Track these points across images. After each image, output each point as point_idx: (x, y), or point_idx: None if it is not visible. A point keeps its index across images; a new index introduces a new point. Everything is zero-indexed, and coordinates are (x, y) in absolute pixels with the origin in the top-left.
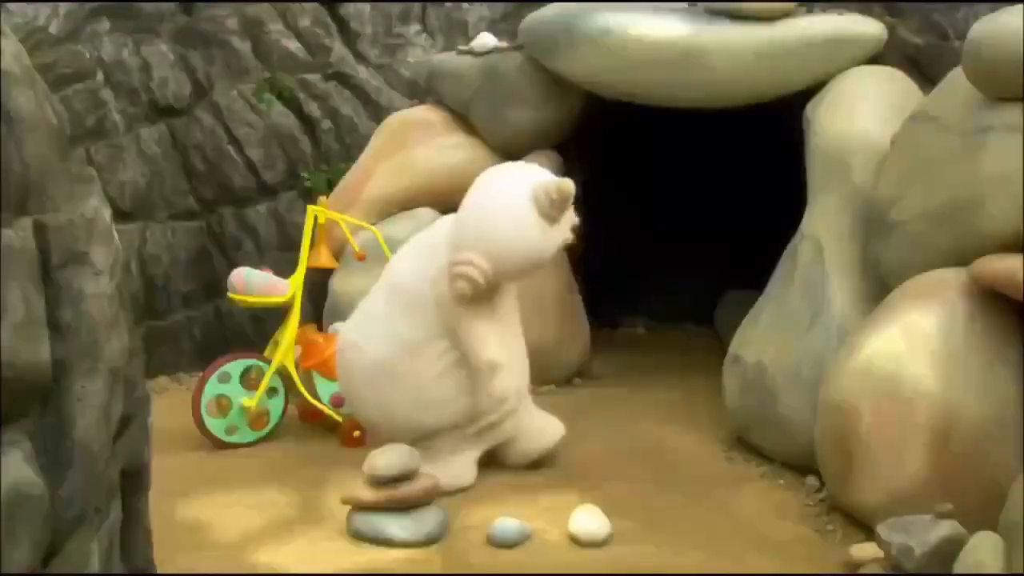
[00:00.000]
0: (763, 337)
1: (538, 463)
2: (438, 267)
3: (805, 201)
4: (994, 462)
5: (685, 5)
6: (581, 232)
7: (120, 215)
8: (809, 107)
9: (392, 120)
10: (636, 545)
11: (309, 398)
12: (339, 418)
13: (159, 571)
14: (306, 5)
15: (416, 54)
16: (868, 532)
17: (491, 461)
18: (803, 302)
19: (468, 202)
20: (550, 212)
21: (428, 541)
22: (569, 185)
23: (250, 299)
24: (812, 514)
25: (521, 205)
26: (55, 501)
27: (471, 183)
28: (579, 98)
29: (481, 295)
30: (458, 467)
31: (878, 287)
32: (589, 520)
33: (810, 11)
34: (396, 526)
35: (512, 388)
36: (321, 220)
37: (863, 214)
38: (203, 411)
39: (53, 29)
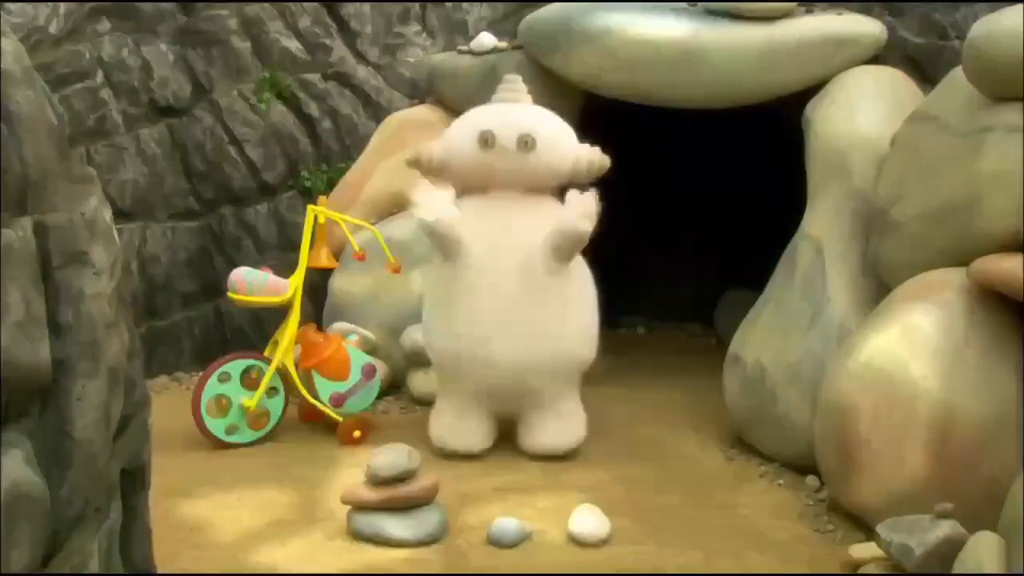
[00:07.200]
0: (763, 337)
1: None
2: None
3: (805, 201)
4: (994, 462)
5: (685, 5)
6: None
7: (120, 215)
8: (809, 107)
9: (392, 120)
10: (636, 545)
11: (309, 398)
12: (339, 418)
13: (159, 571)
14: (306, 5)
15: (416, 54)
16: (868, 532)
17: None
18: (803, 302)
19: None
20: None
21: (428, 541)
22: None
23: (250, 299)
24: (812, 514)
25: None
26: (55, 501)
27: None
28: (579, 98)
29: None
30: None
31: (878, 287)
32: (589, 520)
33: (810, 11)
34: (396, 526)
35: None
36: (321, 220)
37: (863, 214)
38: (203, 411)
39: (53, 29)
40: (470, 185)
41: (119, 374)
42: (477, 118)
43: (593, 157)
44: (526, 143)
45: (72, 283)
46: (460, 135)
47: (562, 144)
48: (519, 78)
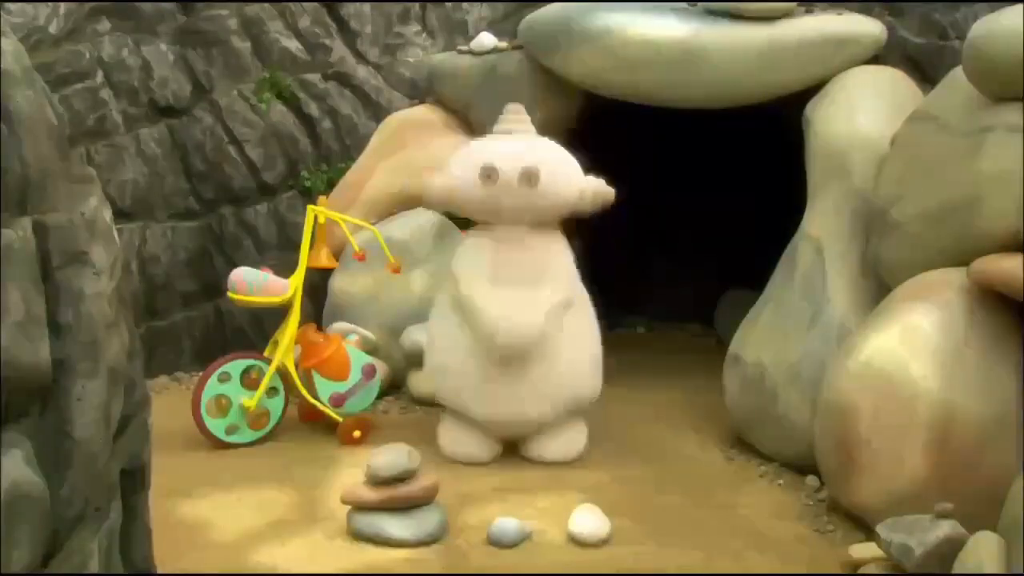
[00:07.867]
0: (763, 337)
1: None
2: None
3: (805, 201)
4: (994, 462)
5: (685, 5)
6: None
7: (120, 215)
8: (809, 107)
9: (392, 120)
10: (636, 545)
11: (309, 398)
12: (339, 418)
13: (159, 571)
14: (306, 5)
15: (416, 54)
16: (868, 532)
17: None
18: (803, 302)
19: None
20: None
21: (428, 541)
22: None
23: (250, 299)
24: (812, 514)
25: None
26: (55, 501)
27: None
28: (579, 98)
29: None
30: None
31: (878, 287)
32: (589, 520)
33: (810, 11)
34: (396, 526)
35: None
36: (321, 220)
37: (863, 214)
38: (203, 411)
39: (53, 29)
40: (476, 218)
41: (119, 374)
42: (479, 152)
43: (598, 189)
44: (529, 178)
45: (72, 283)
46: (462, 169)
47: (566, 176)
48: (522, 107)
